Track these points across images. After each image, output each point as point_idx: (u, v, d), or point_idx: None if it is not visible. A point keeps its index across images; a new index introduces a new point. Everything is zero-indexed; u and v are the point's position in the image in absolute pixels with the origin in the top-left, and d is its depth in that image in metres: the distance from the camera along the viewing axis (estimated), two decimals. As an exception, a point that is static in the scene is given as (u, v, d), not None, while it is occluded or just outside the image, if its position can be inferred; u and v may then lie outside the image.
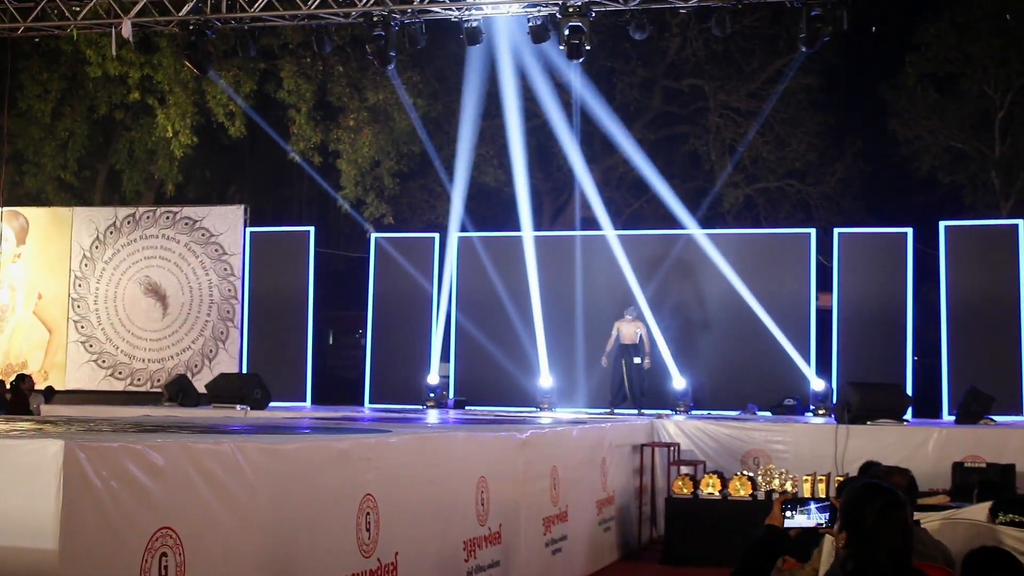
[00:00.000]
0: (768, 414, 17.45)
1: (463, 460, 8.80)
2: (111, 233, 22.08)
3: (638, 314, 18.37)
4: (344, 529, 6.85)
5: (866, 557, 3.87)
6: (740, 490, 12.66)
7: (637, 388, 17.88)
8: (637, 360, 17.97)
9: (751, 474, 12.94)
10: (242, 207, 22.14)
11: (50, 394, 19.74)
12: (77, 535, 4.57)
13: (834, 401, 16.93)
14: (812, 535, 4.62)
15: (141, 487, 5.00)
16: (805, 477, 12.27)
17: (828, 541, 5.94)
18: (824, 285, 19.89)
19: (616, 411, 17.63)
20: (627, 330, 18.18)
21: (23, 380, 18.46)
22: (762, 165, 26.78)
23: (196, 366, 21.28)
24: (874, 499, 3.96)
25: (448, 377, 20.31)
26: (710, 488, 12.95)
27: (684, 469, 14.01)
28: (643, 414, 16.85)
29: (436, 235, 21.09)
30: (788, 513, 4.44)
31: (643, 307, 18.73)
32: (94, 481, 4.70)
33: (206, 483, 5.49)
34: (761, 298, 18.62)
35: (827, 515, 4.46)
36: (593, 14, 16.43)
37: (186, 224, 21.80)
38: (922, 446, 13.83)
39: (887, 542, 3.85)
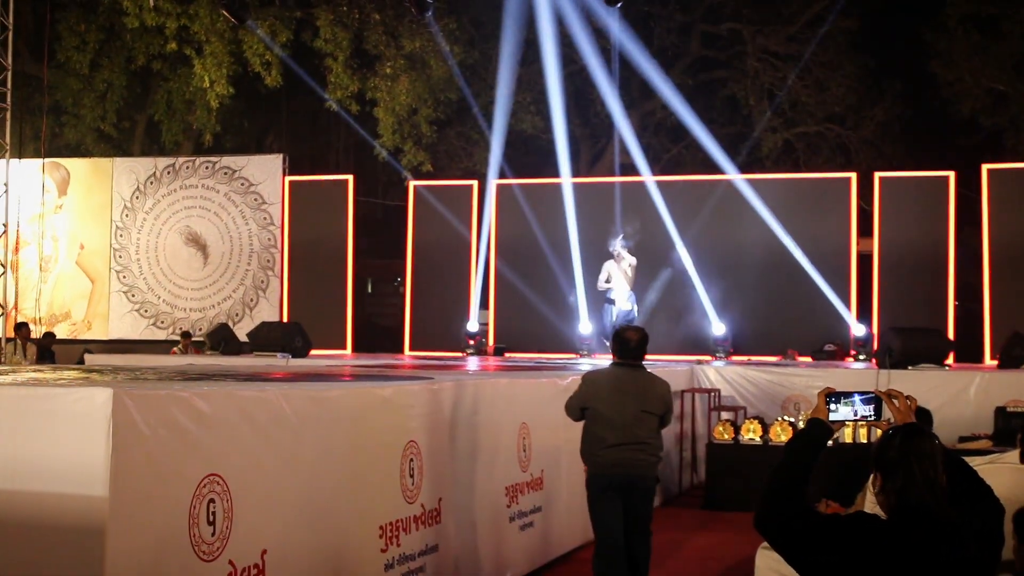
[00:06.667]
0: (809, 358, 17.39)
1: (505, 407, 8.83)
2: (151, 183, 22.20)
3: (626, 245, 18.03)
4: (388, 475, 6.90)
5: (897, 488, 3.87)
6: (781, 435, 12.66)
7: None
8: (629, 306, 17.69)
9: (792, 419, 12.93)
10: (281, 156, 22.23)
11: (50, 340, 20.00)
12: (127, 482, 4.61)
13: (875, 346, 16.85)
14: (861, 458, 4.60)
15: (188, 434, 5.04)
16: (847, 423, 12.20)
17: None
18: (865, 230, 19.77)
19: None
20: (617, 272, 17.89)
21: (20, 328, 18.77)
22: (801, 109, 26.52)
23: (237, 315, 21.42)
24: (895, 434, 3.97)
25: (488, 324, 20.33)
26: (751, 434, 12.96)
27: (725, 415, 14.00)
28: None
29: (474, 182, 21.07)
30: (832, 406, 4.36)
31: (682, 253, 18.65)
32: (142, 429, 4.74)
33: (252, 430, 5.52)
34: (801, 243, 18.52)
35: (872, 407, 4.39)
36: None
37: (225, 174, 21.88)
38: (964, 391, 13.75)
39: (913, 470, 3.84)
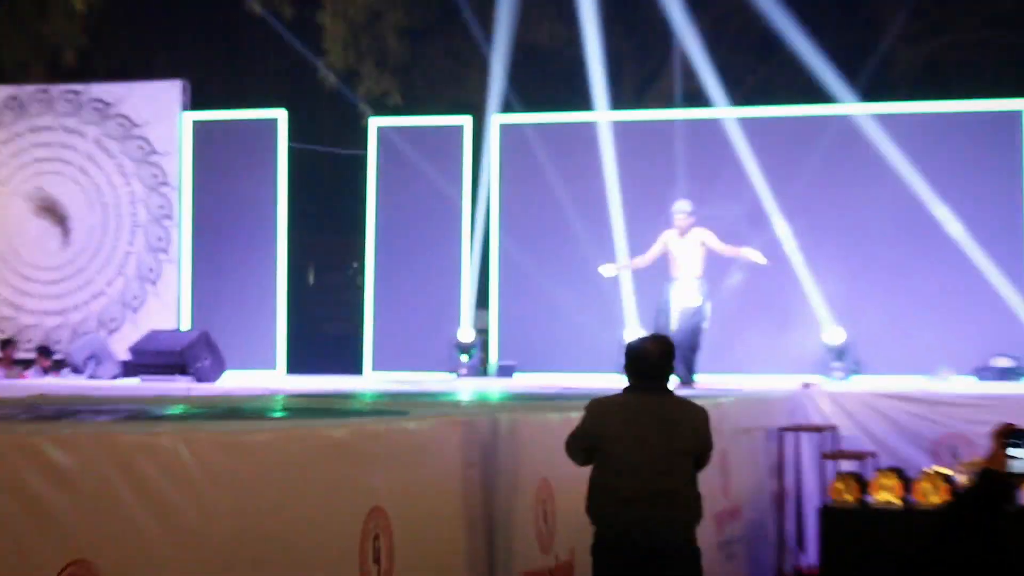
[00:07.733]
0: (972, 380, 17.34)
1: (516, 457, 8.76)
2: (-15, 125, 22.20)
3: (693, 213, 17.20)
4: (340, 561, 6.80)
5: None
6: (931, 495, 12.57)
7: (686, 353, 16.09)
8: (695, 304, 16.99)
9: (948, 471, 12.85)
10: (179, 84, 22.16)
11: None
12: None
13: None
14: None
15: (41, 503, 4.93)
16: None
17: None
18: (1049, 186, 19.76)
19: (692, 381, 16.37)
20: (681, 248, 17.22)
21: None
22: (953, 8, 26.49)
23: (114, 320, 21.42)
24: None
25: (488, 331, 20.32)
26: (885, 492, 12.89)
27: (845, 464, 13.94)
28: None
29: (467, 120, 21.07)
30: (1013, 451, 4.33)
31: (776, 220, 18.59)
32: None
33: (136, 495, 5.42)
34: (954, 207, 18.47)
35: None
36: None
37: (96, 110, 21.87)
38: None
39: None
